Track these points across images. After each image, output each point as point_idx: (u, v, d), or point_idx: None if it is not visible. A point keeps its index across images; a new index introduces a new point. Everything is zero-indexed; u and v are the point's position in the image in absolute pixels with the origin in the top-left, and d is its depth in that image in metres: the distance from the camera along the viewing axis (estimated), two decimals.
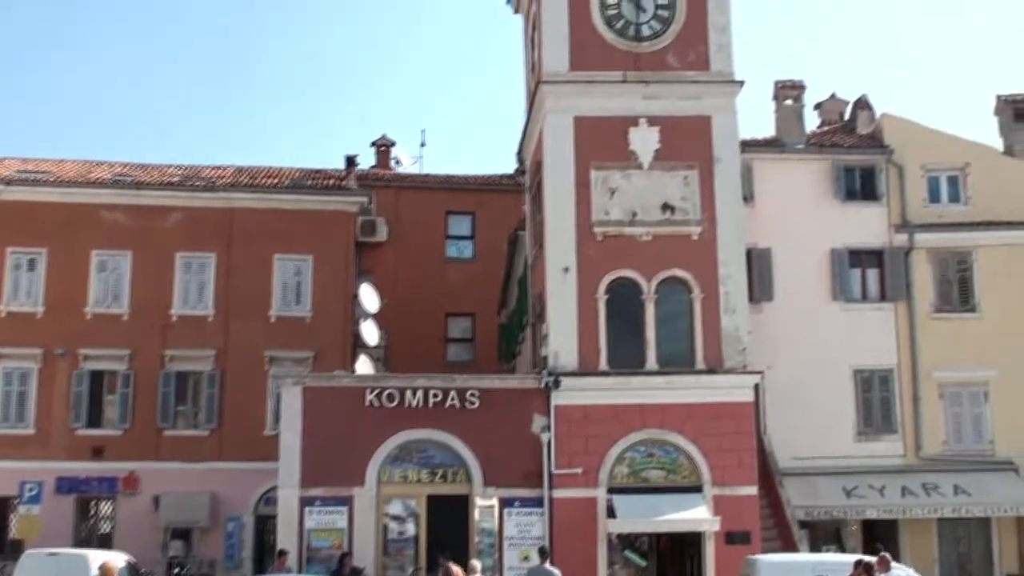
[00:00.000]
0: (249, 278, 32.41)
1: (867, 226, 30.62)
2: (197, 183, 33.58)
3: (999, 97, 32.76)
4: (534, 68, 28.99)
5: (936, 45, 71.18)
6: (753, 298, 28.64)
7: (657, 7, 27.28)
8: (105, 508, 31.22)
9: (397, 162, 43.09)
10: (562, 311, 25.70)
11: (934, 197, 31.16)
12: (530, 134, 29.21)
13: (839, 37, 71.60)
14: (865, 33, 71.46)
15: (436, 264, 38.92)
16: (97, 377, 31.66)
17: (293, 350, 31.95)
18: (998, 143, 32.09)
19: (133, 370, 31.69)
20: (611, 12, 27.22)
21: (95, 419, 31.51)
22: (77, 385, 31.53)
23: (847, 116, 34.72)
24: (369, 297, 33.58)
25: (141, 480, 31.03)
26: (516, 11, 31.61)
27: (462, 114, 73.43)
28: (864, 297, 30.54)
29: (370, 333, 33.55)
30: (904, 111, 33.95)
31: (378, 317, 34.08)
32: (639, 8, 27.24)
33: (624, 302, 25.93)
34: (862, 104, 33.71)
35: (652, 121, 26.53)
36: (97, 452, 31.20)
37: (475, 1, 74.70)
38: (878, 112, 32.82)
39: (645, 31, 27.12)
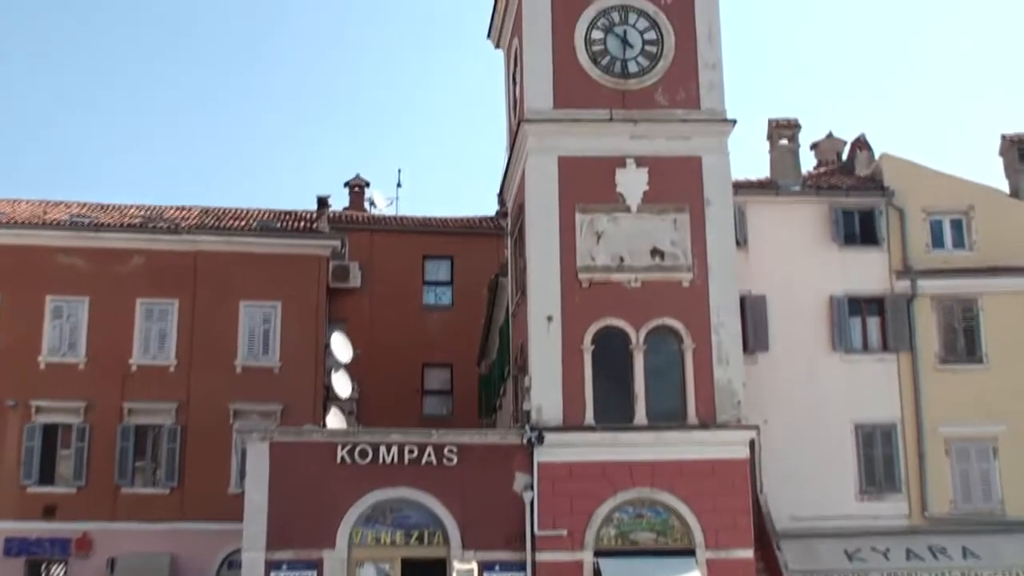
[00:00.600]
0: (214, 326, 32.38)
1: (867, 272, 30.79)
2: (160, 225, 33.62)
3: (1004, 137, 33.10)
4: (516, 106, 29.22)
5: (938, 83, 72.08)
6: (748, 348, 28.71)
7: (644, 43, 27.60)
8: (57, 572, 30.96)
9: (372, 204, 43.26)
10: (545, 362, 25.75)
11: (937, 242, 31.36)
12: (512, 175, 29.39)
13: (835, 74, 72.44)
14: (863, 70, 72.32)
15: (412, 311, 38.97)
16: (50, 431, 31.51)
17: (260, 403, 31.87)
18: (1004, 185, 32.35)
19: (89, 423, 31.55)
20: (596, 48, 27.52)
21: (47, 476, 31.32)
22: (29, 439, 31.37)
23: (845, 156, 34.99)
24: (341, 346, 33.57)
25: (96, 541, 30.81)
26: (497, 46, 31.91)
27: (440, 153, 73.79)
28: (865, 347, 30.65)
29: (342, 385, 33.51)
30: (904, 151, 34.32)
31: (351, 368, 34.05)
32: (625, 44, 27.57)
33: (611, 353, 26.01)
34: (860, 144, 33.99)
35: (640, 162, 26.76)
36: (49, 511, 30.99)
37: (454, 35, 75.36)
38: (877, 152, 33.06)
39: (632, 68, 27.42)
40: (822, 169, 34.59)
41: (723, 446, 25.57)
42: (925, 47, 72.05)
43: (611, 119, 26.97)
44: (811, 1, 73.36)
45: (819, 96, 69.76)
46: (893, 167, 31.87)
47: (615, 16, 27.76)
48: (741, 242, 29.71)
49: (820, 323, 30.32)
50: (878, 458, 29.87)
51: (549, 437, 25.36)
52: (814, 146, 36.15)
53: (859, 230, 31.25)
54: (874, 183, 31.88)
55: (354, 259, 37.84)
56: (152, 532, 30.86)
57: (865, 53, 72.32)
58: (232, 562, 29.67)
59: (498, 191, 32.11)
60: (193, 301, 32.63)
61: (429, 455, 25.28)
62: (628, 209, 26.56)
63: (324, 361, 33.01)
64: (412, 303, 39.17)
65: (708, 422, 25.79)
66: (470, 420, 35.77)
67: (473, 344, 37.38)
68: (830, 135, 36.40)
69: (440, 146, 73.98)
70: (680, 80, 27.45)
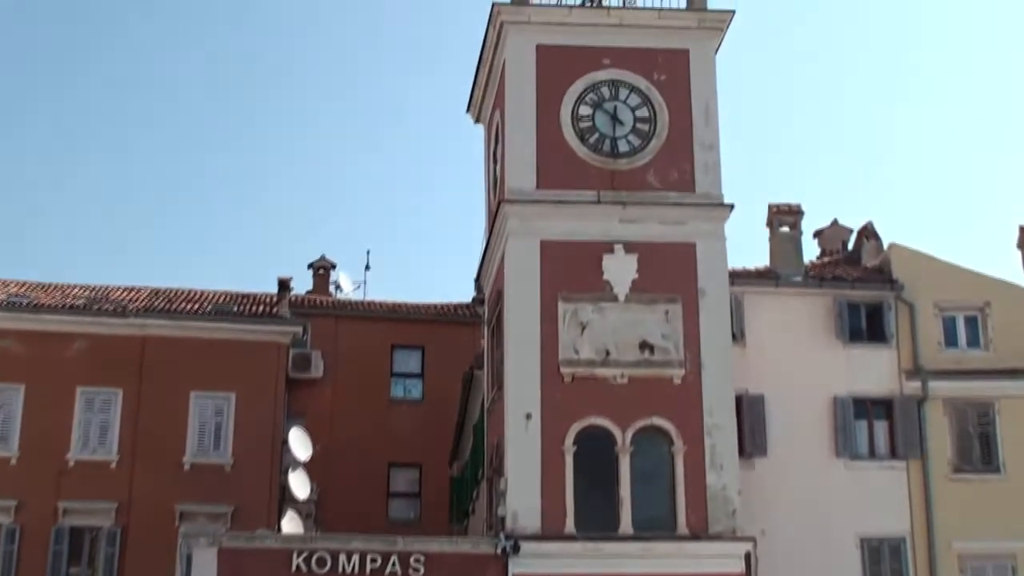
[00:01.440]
0: (161, 418, 32.22)
1: (875, 372, 30.92)
2: (105, 307, 33.60)
3: (1022, 228, 33.51)
4: (496, 185, 29.49)
5: (951, 169, 72.93)
6: (744, 452, 28.71)
7: (636, 120, 27.96)
8: None
9: (337, 287, 43.30)
10: (523, 464, 25.72)
11: (951, 340, 31.56)
12: (490, 259, 29.57)
13: (841, 158, 73.17)
14: (870, 154, 73.12)
15: (379, 406, 38.86)
16: None
17: (209, 504, 31.62)
18: (1021, 279, 32.63)
19: (19, 524, 31.22)
20: (584, 124, 27.87)
21: None
22: None
23: (851, 246, 35.28)
24: (300, 443, 33.43)
25: None
26: (476, 120, 32.27)
27: (413, 234, 74.06)
28: (872, 454, 30.69)
29: (300, 485, 33.30)
30: (915, 241, 34.52)
31: (310, 466, 33.86)
32: (615, 121, 27.91)
33: (595, 454, 26.00)
34: (867, 232, 34.29)
35: (629, 247, 26.98)
36: None
37: (431, 109, 75.98)
38: (886, 242, 33.36)
39: (622, 147, 27.76)
40: (826, 259, 34.83)
41: (716, 559, 25.48)
42: (938, 132, 73.05)
43: (599, 201, 27.25)
44: (815, 80, 74.37)
45: (823, 181, 70.40)
46: (903, 258, 32.13)
47: (605, 91, 28.15)
48: (738, 336, 29.85)
49: (823, 426, 30.36)
50: (886, 575, 29.80)
51: (526, 547, 25.24)
52: (817, 234, 36.44)
53: (866, 326, 31.44)
54: (882, 275, 32.13)
55: (316, 347, 37.79)
56: None
57: (873, 136, 73.21)
58: None
59: (475, 276, 32.21)
60: (139, 390, 32.48)
61: (394, 565, 25.12)
62: (615, 298, 26.73)
63: (281, 459, 32.82)
64: (379, 396, 39.07)
65: (700, 532, 25.73)
66: (440, 526, 35.52)
67: (445, 442, 37.27)
68: (835, 222, 36.71)
69: (413, 226, 74.26)
70: (674, 161, 27.79)
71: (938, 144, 72.92)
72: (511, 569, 25.28)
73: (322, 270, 43.53)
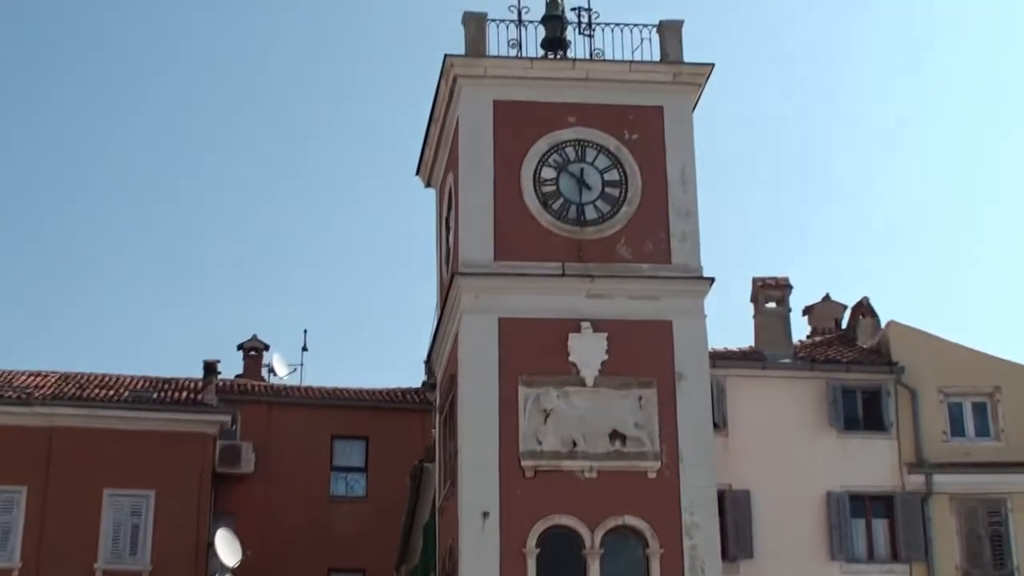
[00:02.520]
0: (70, 519, 32.01)
1: (873, 464, 31.11)
2: (8, 394, 33.46)
3: None
4: (449, 256, 29.59)
5: (953, 241, 73.54)
6: (728, 555, 28.75)
7: (605, 184, 28.11)
8: None
9: (271, 371, 43.22)
10: (480, 569, 25.59)
11: (957, 429, 31.80)
12: (442, 339, 29.64)
13: (833, 227, 73.78)
14: (865, 223, 73.77)
15: (318, 504, 38.70)
16: None
17: None
18: None
19: None
20: (547, 189, 28.01)
21: None
22: None
23: (844, 324, 35.61)
24: (228, 546, 33.24)
25: None
26: (427, 184, 32.47)
27: (356, 312, 73.98)
28: (871, 556, 30.82)
29: None
30: (915, 319, 34.96)
31: (239, 573, 33.64)
32: (582, 185, 28.04)
33: (561, 559, 25.88)
34: (863, 309, 34.63)
35: (598, 326, 27.06)
36: None
37: (377, 171, 76.26)
38: (883, 319, 33.70)
39: (590, 213, 27.91)
40: (817, 338, 35.11)
41: None
42: (940, 200, 73.83)
43: (563, 274, 27.37)
44: (804, 141, 75.14)
45: (813, 253, 70.82)
46: (903, 337, 32.39)
47: (570, 152, 28.32)
48: (720, 425, 30.02)
49: (816, 525, 30.48)
50: None
51: None
52: (807, 311, 36.77)
53: (862, 413, 31.68)
54: (880, 356, 32.39)
55: (247, 439, 37.69)
56: None
57: (868, 203, 73.86)
58: None
59: (425, 358, 32.24)
60: (45, 488, 32.31)
61: None
62: (583, 383, 26.76)
63: (207, 564, 32.62)
64: (317, 493, 38.92)
65: None
66: None
67: (391, 545, 37.09)
68: (826, 298, 37.09)
69: (356, 303, 74.17)
70: (647, 229, 27.96)
71: (940, 213, 73.62)
72: None
73: (254, 352, 43.44)
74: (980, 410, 32.02)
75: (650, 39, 29.03)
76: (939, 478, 31.00)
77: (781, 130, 74.51)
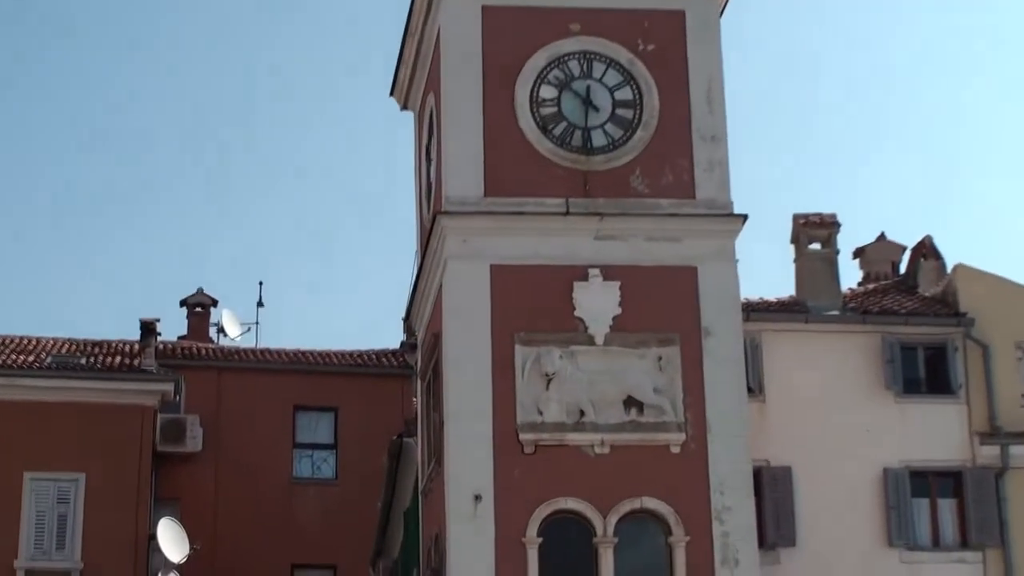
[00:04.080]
0: None
1: (938, 434, 31.12)
2: None
3: None
4: (430, 192, 29.68)
5: None
6: (766, 543, 28.90)
7: (616, 105, 28.09)
8: None
9: (220, 331, 43.33)
10: (471, 563, 25.76)
11: None
12: (424, 291, 29.75)
13: (888, 154, 73.54)
14: (926, 149, 73.49)
15: (278, 488, 38.88)
16: None
17: None
18: None
19: None
20: (547, 111, 28.01)
21: None
22: None
23: (903, 268, 35.62)
24: (173, 540, 33.39)
25: None
26: (404, 106, 32.47)
27: (321, 260, 73.92)
28: (936, 542, 30.89)
29: None
30: (987, 262, 34.93)
31: (186, 570, 33.82)
32: (589, 106, 28.02)
33: (567, 549, 26.10)
34: (925, 250, 34.57)
35: (609, 273, 27.17)
36: None
37: (346, 90, 75.86)
38: (949, 262, 33.73)
39: (598, 140, 27.94)
40: (871, 286, 35.08)
41: None
42: (1013, 123, 73.54)
43: (567, 212, 27.45)
44: (853, 56, 74.58)
45: (865, 183, 70.67)
46: (972, 284, 32.35)
47: (574, 66, 28.31)
48: (756, 389, 30.06)
49: (871, 507, 30.54)
50: None
51: None
52: (859, 253, 36.71)
53: (925, 374, 31.68)
54: (946, 306, 32.37)
55: (193, 411, 37.79)
56: None
57: (931, 126, 73.72)
58: None
59: (404, 314, 32.30)
60: None
61: None
62: (591, 341, 26.89)
63: (147, 560, 32.79)
64: (277, 476, 39.09)
65: None
66: None
67: (366, 536, 37.28)
68: (882, 237, 36.97)
69: (321, 250, 74.06)
70: (667, 158, 28.02)
71: (1014, 140, 73.40)
72: None
73: (199, 308, 43.52)
74: None
75: None
76: (1016, 449, 31.05)
77: (829, 49, 74.11)
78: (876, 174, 71.74)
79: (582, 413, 26.56)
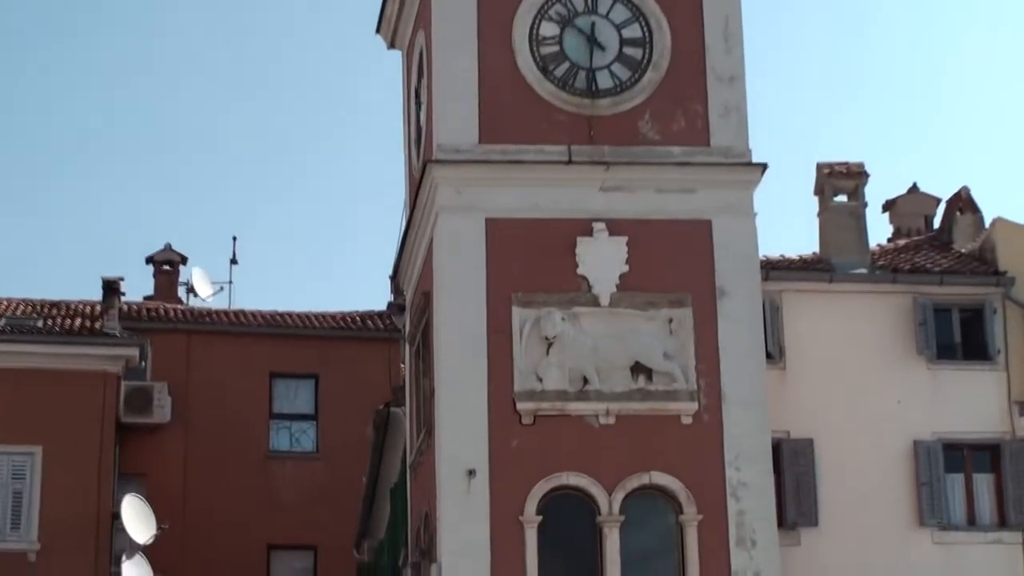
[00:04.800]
0: None
1: (974, 404, 31.13)
2: None
3: None
4: (420, 139, 29.68)
5: None
6: (786, 522, 29.04)
7: (623, 43, 28.04)
8: None
9: (190, 291, 43.34)
10: (464, 544, 25.85)
11: None
12: (413, 247, 29.78)
13: (921, 96, 73.38)
14: (963, 92, 73.38)
15: (253, 462, 38.96)
16: None
17: None
18: None
19: None
20: (548, 50, 27.97)
21: None
22: None
23: (937, 222, 35.61)
24: (139, 518, 33.44)
25: None
26: (391, 45, 32.39)
27: (300, 214, 73.86)
28: (972, 522, 30.97)
29: None
30: None
31: (153, 552, 33.89)
32: (594, 44, 28.00)
33: (569, 529, 26.22)
34: (962, 203, 34.56)
35: (615, 227, 27.20)
36: None
37: (328, 27, 75.62)
38: (987, 216, 33.74)
39: (604, 82, 27.92)
40: (901, 242, 35.08)
41: None
42: None
43: (570, 160, 27.47)
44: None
45: (896, 130, 70.58)
46: (1012, 240, 32.31)
47: (577, 1, 28.24)
48: (775, 355, 30.14)
49: (900, 484, 30.60)
50: None
51: None
52: (889, 206, 36.71)
53: (960, 338, 31.71)
54: (983, 264, 32.39)
55: (161, 378, 37.84)
56: None
57: (968, 68, 73.62)
58: None
59: (391, 272, 32.28)
60: None
61: None
62: (596, 301, 26.95)
63: (110, 541, 32.87)
64: (253, 449, 39.17)
65: None
66: None
67: (349, 514, 37.37)
68: (914, 189, 36.98)
69: (300, 202, 74.05)
70: (679, 101, 28.01)
71: None
72: None
73: (167, 266, 43.56)
74: None
75: None
76: None
77: None
78: (907, 119, 71.74)
79: (585, 380, 26.63)
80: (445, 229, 27.27)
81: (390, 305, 39.14)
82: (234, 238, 44.67)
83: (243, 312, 41.66)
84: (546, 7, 28.09)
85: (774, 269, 30.80)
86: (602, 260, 27.06)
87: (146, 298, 42.43)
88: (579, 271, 27.07)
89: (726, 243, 27.40)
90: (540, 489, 26.22)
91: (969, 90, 71.94)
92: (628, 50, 28.10)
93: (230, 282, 44.08)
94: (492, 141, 27.53)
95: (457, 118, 27.63)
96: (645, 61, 28.08)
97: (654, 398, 26.68)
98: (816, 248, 32.80)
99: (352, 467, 37.03)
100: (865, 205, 32.93)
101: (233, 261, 45.01)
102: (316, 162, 74.38)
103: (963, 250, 33.46)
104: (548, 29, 28.06)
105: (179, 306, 42.32)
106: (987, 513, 31.14)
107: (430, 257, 27.87)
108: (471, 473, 26.11)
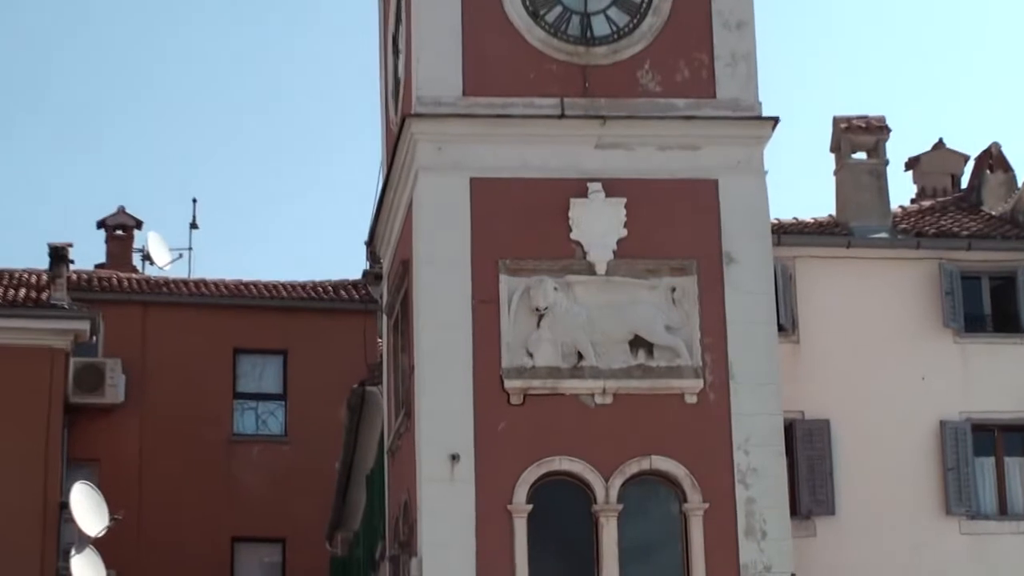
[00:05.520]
0: None
1: (1005, 381, 31.21)
2: None
3: None
4: (399, 92, 29.67)
5: None
6: (800, 511, 29.17)
7: None
8: None
9: (147, 259, 43.31)
10: (447, 535, 25.89)
11: None
12: (390, 210, 29.80)
13: (948, 45, 73.41)
14: (993, 39, 73.41)
15: (215, 447, 38.98)
16: None
17: None
18: None
19: None
20: None
21: None
22: None
23: (965, 181, 35.63)
24: (90, 508, 33.46)
25: None
26: None
27: (266, 173, 73.75)
28: (1003, 510, 31.04)
29: (89, 574, 33.36)
30: None
31: (105, 546, 33.91)
32: None
33: (562, 518, 26.31)
34: (992, 160, 34.61)
35: (612, 188, 27.21)
36: None
37: None
38: (1020, 175, 33.76)
39: (600, 28, 27.90)
40: (926, 203, 35.11)
41: None
42: None
43: (563, 114, 27.45)
44: None
45: (919, 82, 70.51)
46: None
47: None
48: (788, 327, 30.19)
49: (924, 468, 30.69)
50: None
51: None
52: (912, 163, 36.72)
53: (991, 309, 31.76)
54: (1015, 227, 32.46)
55: (114, 354, 37.81)
56: None
57: (1000, 11, 73.60)
58: None
59: (367, 238, 32.27)
60: None
61: None
62: (591, 269, 26.98)
63: (58, 534, 32.89)
64: (215, 432, 39.18)
65: None
66: None
67: (321, 503, 37.41)
68: (939, 145, 37.00)
69: (267, 161, 73.95)
70: (682, 50, 28.02)
71: None
72: None
73: (120, 231, 43.50)
74: None
75: None
76: None
77: None
78: (933, 69, 71.76)
79: (580, 356, 26.66)
80: (426, 190, 27.26)
81: (366, 274, 39.07)
82: (194, 200, 44.69)
83: (204, 282, 41.64)
84: None
85: (786, 233, 30.83)
86: (598, 224, 27.09)
87: (97, 266, 42.41)
88: (573, 236, 27.10)
89: (734, 204, 27.42)
90: (530, 475, 26.27)
91: (1001, 37, 72.00)
92: None
93: (190, 248, 44.15)
94: (477, 93, 27.51)
95: (438, 68, 27.60)
96: (645, 5, 28.06)
97: (655, 375, 26.72)
98: (832, 210, 32.85)
99: (324, 452, 37.07)
100: (886, 163, 32.95)
101: (193, 225, 45.10)
102: (284, 117, 74.41)
103: (993, 212, 33.53)
104: None
105: (133, 275, 42.27)
106: (1020, 501, 31.22)
107: (409, 221, 27.91)
108: (454, 458, 26.15)
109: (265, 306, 40.42)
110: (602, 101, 27.57)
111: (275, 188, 72.22)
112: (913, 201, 35.51)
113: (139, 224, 43.73)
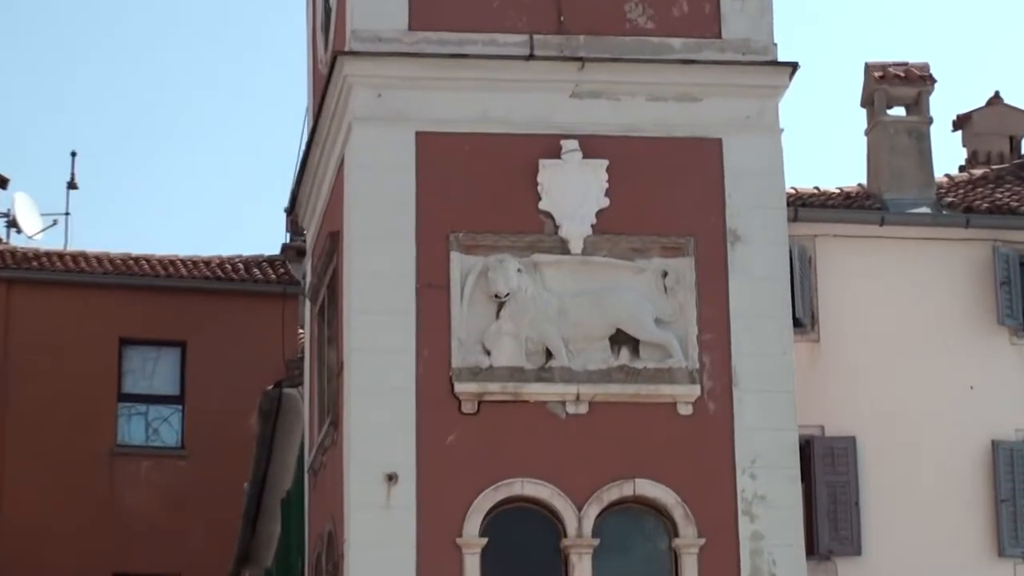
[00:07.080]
0: None
1: None
2: None
3: None
4: (328, 24, 29.69)
5: None
6: (818, 550, 29.29)
7: None
8: None
9: (12, 226, 43.31)
10: (381, 572, 25.94)
11: None
12: (316, 171, 29.89)
13: None
14: None
15: (94, 459, 39.02)
16: None
17: None
18: None
19: None
20: None
21: None
22: None
23: None
24: None
25: None
26: None
27: (161, 123, 73.73)
28: None
29: None
30: None
31: None
32: None
33: (524, 555, 26.45)
34: None
35: (591, 147, 27.28)
36: None
37: None
38: None
39: None
40: (978, 171, 35.20)
41: None
42: None
43: (531, 55, 27.52)
44: None
45: (970, 22, 70.89)
46: None
47: None
48: (806, 322, 30.25)
49: (972, 498, 30.83)
50: None
51: None
52: (961, 122, 36.83)
53: None
54: None
55: None
56: None
57: None
58: None
59: (287, 205, 32.28)
60: None
61: None
62: (564, 247, 27.04)
63: None
64: (94, 441, 39.20)
65: None
66: None
67: (225, 534, 37.46)
68: (995, 100, 37.11)
69: (165, 109, 73.98)
70: None
71: None
72: None
73: None
74: None
75: None
76: None
77: None
78: (987, 8, 72.13)
79: (549, 354, 26.74)
80: (361, 145, 27.27)
81: (285, 248, 39.23)
82: (73, 154, 44.65)
83: (84, 255, 41.65)
84: None
85: (805, 206, 30.88)
86: (573, 191, 27.15)
87: None
88: (542, 205, 27.16)
89: (742, 170, 27.51)
90: (485, 501, 26.34)
91: None
92: None
93: (67, 214, 44.19)
94: (426, 27, 27.56)
95: None
96: None
97: (641, 379, 26.80)
98: (863, 179, 32.89)
99: (229, 469, 37.10)
100: (930, 121, 32.97)
101: (72, 186, 45.12)
102: (187, 56, 74.45)
103: None
104: None
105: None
106: None
107: (340, 184, 27.94)
108: (391, 479, 26.19)
109: (159, 287, 40.41)
110: (580, 39, 27.63)
111: (173, 141, 72.21)
112: (962, 169, 35.58)
113: (4, 182, 43.69)
